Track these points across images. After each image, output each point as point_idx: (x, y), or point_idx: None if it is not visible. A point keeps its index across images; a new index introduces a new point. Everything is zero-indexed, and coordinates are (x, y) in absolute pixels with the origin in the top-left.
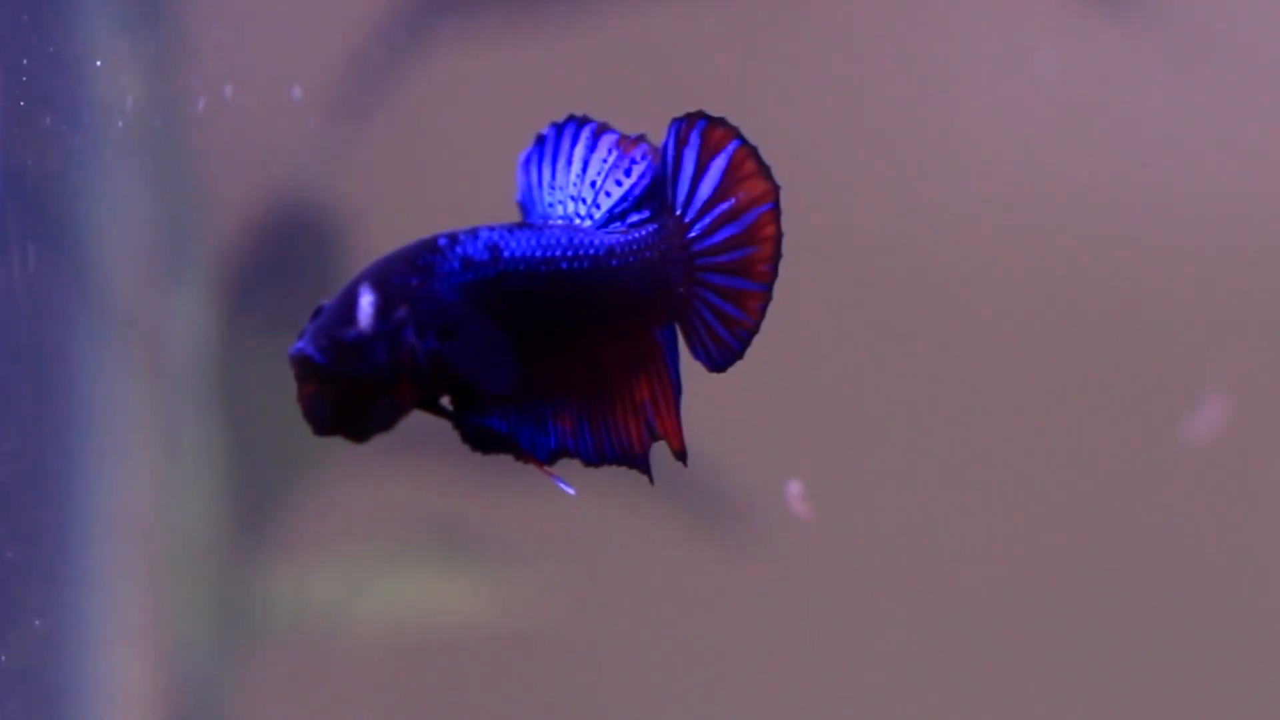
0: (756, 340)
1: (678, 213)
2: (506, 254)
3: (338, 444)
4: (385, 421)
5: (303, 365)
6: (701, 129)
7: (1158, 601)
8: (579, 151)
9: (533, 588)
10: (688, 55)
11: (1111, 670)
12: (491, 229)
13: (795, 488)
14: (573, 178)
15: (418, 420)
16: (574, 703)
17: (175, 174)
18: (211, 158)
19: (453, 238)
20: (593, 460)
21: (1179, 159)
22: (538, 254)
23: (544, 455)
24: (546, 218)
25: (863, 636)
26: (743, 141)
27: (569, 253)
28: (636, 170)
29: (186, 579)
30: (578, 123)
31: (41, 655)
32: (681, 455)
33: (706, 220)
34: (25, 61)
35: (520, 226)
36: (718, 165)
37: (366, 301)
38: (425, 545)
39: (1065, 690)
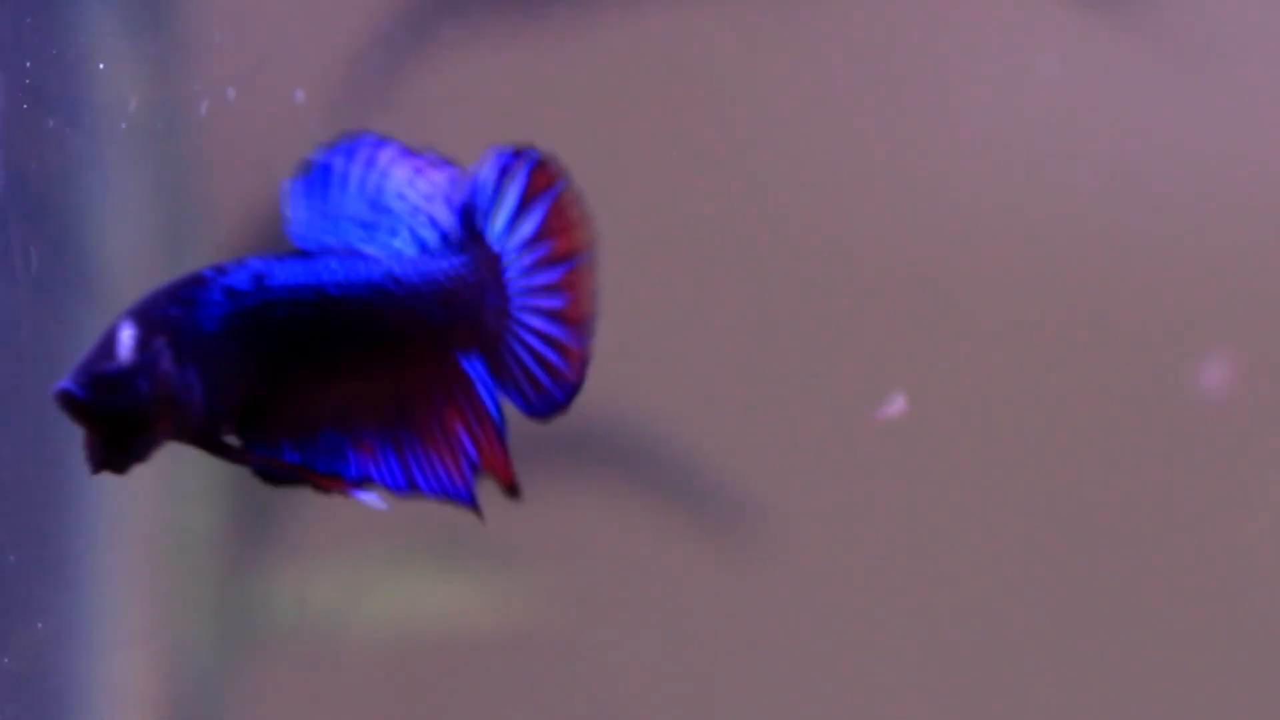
0: (761, 341)
1: (493, 246)
2: (271, 283)
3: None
4: (143, 454)
5: (65, 401)
6: (531, 166)
7: (1167, 613)
8: (369, 177)
9: (534, 590)
10: (687, 59)
11: (1124, 669)
12: (262, 258)
13: (898, 401)
14: (350, 200)
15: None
16: (575, 705)
17: (178, 176)
18: (214, 160)
19: (220, 269)
20: (402, 489)
21: (1181, 161)
22: (305, 281)
23: (352, 480)
24: (326, 246)
25: (867, 637)
26: (567, 185)
27: (340, 279)
28: (425, 183)
29: (189, 582)
30: (349, 142)
31: (44, 658)
32: (511, 491)
33: (527, 260)
34: (28, 64)
35: (293, 255)
36: (541, 205)
37: (126, 335)
38: (427, 548)
39: (1078, 691)
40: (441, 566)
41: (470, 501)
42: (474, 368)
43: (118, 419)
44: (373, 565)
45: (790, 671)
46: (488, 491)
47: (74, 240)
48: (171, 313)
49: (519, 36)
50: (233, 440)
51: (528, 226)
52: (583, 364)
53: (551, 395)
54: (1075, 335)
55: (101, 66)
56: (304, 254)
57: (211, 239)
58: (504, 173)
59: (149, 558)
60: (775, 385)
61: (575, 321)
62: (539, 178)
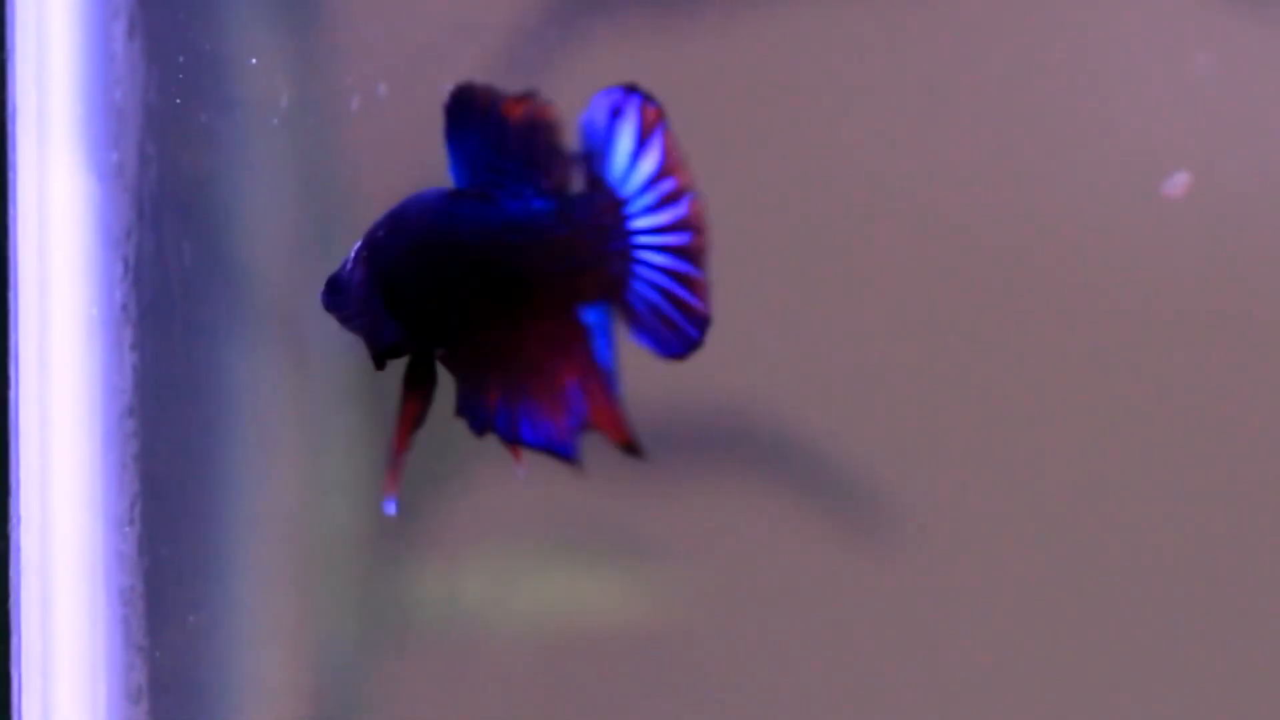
0: (904, 337)
1: (614, 190)
2: (429, 218)
3: (488, 442)
4: (375, 353)
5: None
6: (639, 104)
7: None
8: (476, 122)
9: (683, 587)
10: (835, 55)
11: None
12: (420, 195)
13: (1180, 179)
14: (481, 148)
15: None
16: (722, 702)
17: (329, 172)
18: (365, 156)
19: (419, 196)
20: (509, 440)
21: None
22: (441, 223)
23: (477, 428)
24: (476, 185)
25: (1012, 638)
26: (668, 124)
27: (468, 225)
28: (532, 133)
29: (335, 576)
30: (465, 94)
31: (195, 651)
32: (629, 448)
33: (651, 200)
34: (181, 59)
35: (451, 193)
36: (657, 142)
37: (354, 247)
38: (574, 544)
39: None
40: (588, 561)
41: (572, 456)
42: (597, 319)
43: (339, 317)
44: (519, 560)
45: (933, 672)
46: (622, 481)
47: (225, 236)
48: (379, 233)
49: (668, 33)
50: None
51: (648, 165)
52: (708, 294)
53: (686, 332)
54: (1232, 337)
55: (253, 62)
56: (456, 194)
57: (361, 233)
58: (615, 114)
59: (296, 552)
60: (918, 381)
61: (699, 254)
62: (649, 115)
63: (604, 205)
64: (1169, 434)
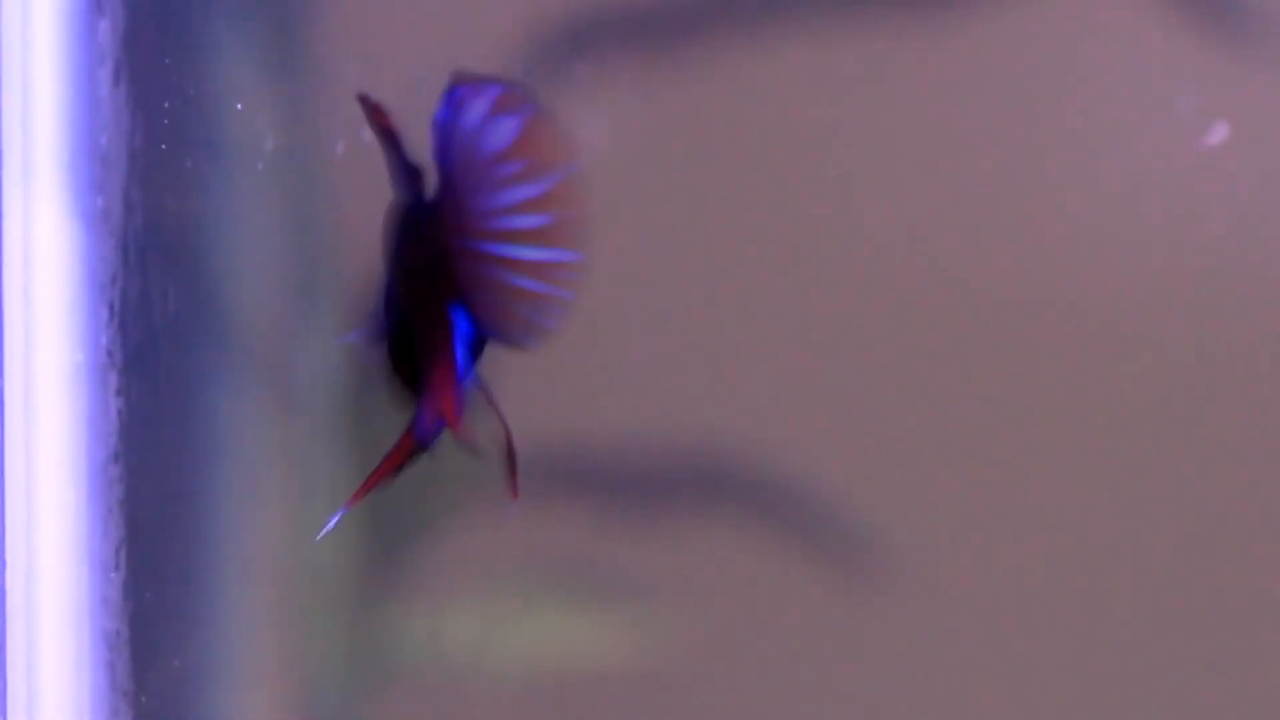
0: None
1: (455, 180)
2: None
3: (472, 485)
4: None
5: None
6: (483, 90)
7: None
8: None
9: (670, 627)
10: (822, 96)
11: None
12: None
13: (1220, 129)
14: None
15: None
16: None
17: (314, 216)
18: (350, 200)
19: None
20: (414, 436)
21: None
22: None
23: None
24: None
25: (1005, 673)
26: (535, 107)
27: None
28: (391, 142)
29: (320, 620)
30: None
31: (180, 695)
32: (464, 441)
33: (497, 186)
34: (166, 104)
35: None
36: (501, 127)
37: None
38: (559, 586)
39: None
40: (574, 603)
41: (425, 445)
42: (457, 316)
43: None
44: (505, 602)
45: (922, 709)
46: (608, 523)
47: (211, 281)
48: None
49: (651, 76)
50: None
51: (485, 151)
52: (575, 277)
53: (540, 324)
54: (1220, 376)
55: (239, 107)
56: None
57: (348, 278)
58: (456, 103)
59: (282, 596)
60: (906, 419)
61: (558, 237)
62: (502, 103)
63: (451, 201)
64: (1160, 472)
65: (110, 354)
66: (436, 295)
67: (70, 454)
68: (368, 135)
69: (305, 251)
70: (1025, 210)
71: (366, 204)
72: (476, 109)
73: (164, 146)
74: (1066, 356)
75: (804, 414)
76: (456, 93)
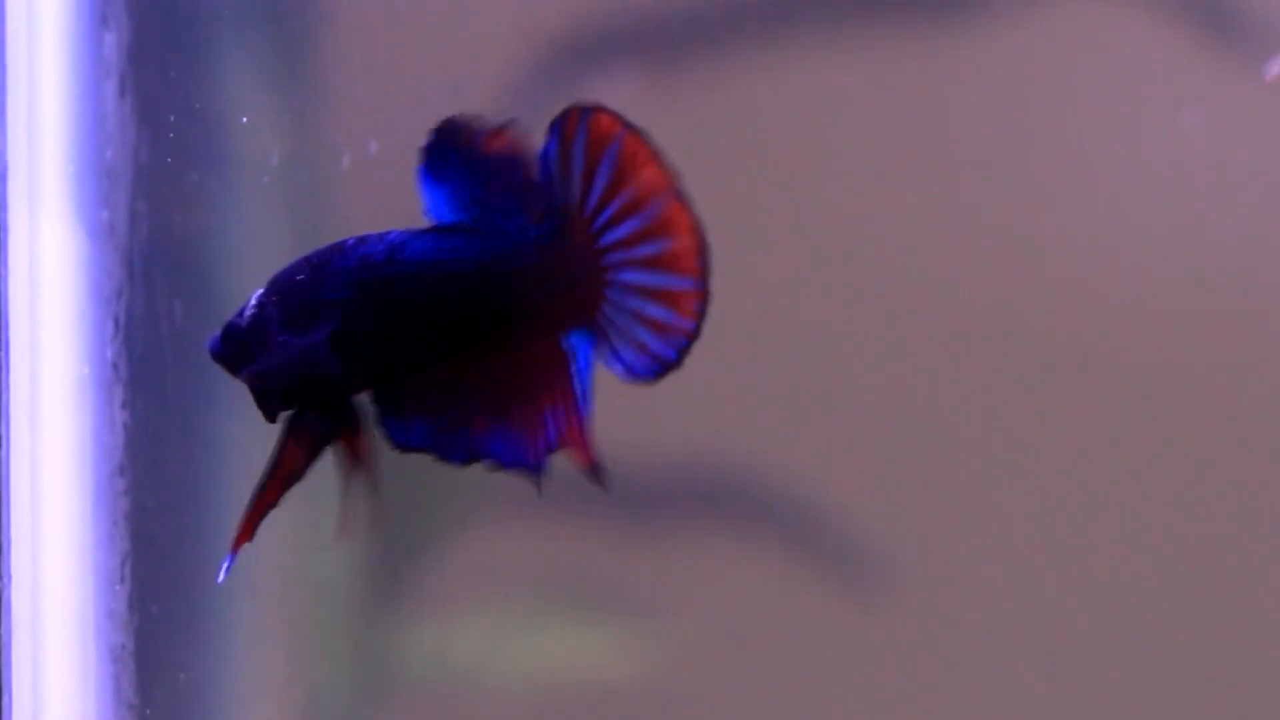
0: (894, 389)
1: (573, 209)
2: (400, 256)
3: (478, 499)
4: (268, 406)
5: (208, 349)
6: (587, 119)
7: None
8: (462, 156)
9: (674, 642)
10: (825, 112)
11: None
12: (404, 232)
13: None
14: (465, 183)
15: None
16: None
17: (320, 230)
18: (356, 213)
19: (362, 239)
20: (500, 465)
21: None
22: (430, 256)
23: (463, 457)
24: (459, 222)
25: (1006, 685)
26: (630, 128)
27: (459, 255)
28: (507, 164)
29: (325, 633)
30: (451, 128)
31: (185, 709)
32: (592, 472)
33: (608, 213)
34: (172, 118)
35: (430, 230)
36: (609, 154)
37: (255, 294)
38: (565, 600)
39: None
40: (579, 617)
41: (540, 474)
42: (577, 345)
43: (232, 368)
44: (510, 616)
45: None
46: (612, 537)
47: (216, 294)
48: (297, 276)
49: (657, 89)
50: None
51: (601, 180)
52: (700, 305)
53: (658, 354)
54: (1222, 388)
55: (244, 120)
56: (438, 230)
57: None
58: (565, 136)
59: (287, 609)
60: (908, 433)
61: (674, 262)
62: (598, 128)
63: (572, 227)
64: (1164, 484)
65: (115, 367)
66: (549, 328)
67: (75, 467)
68: (374, 149)
69: None
70: (1030, 223)
71: (372, 217)
72: (581, 138)
73: (169, 160)
74: (1072, 368)
75: (808, 430)
76: (561, 121)
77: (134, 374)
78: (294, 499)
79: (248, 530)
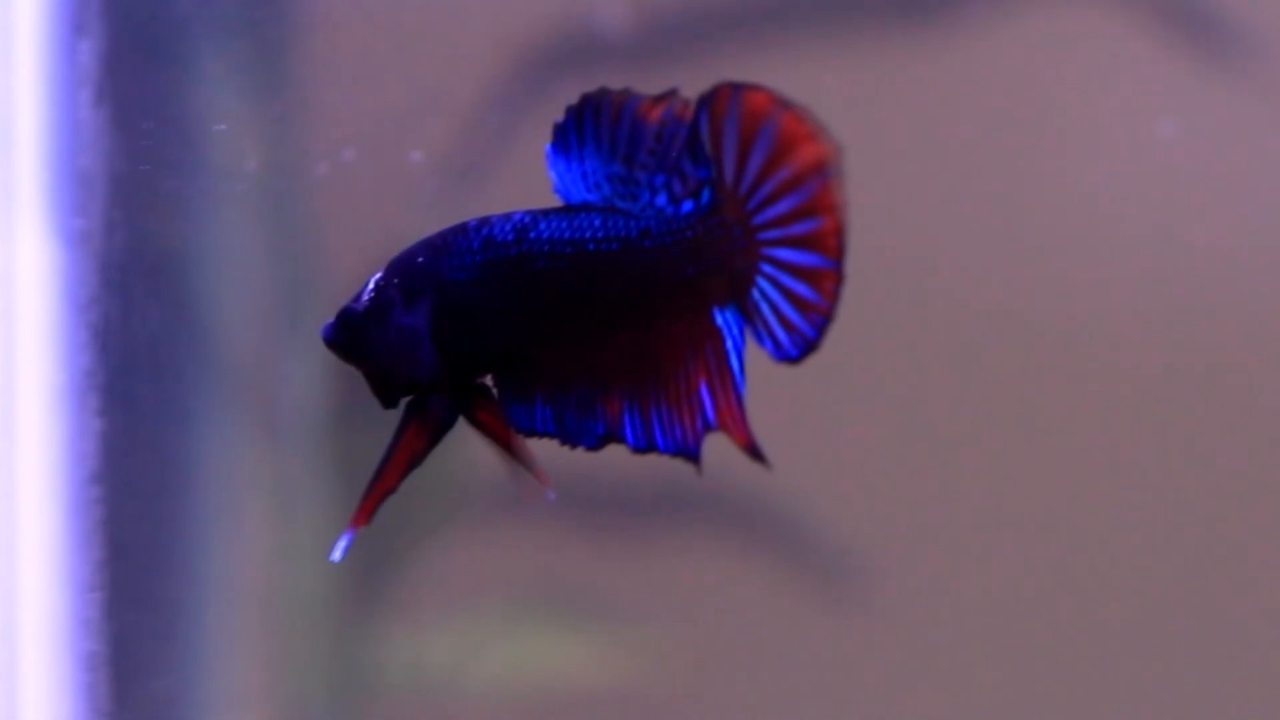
0: (871, 397)
1: (728, 185)
2: (532, 235)
3: (454, 506)
4: (388, 391)
5: (322, 336)
6: (740, 97)
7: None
8: (603, 130)
9: (650, 648)
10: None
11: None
12: (529, 212)
13: None
14: (602, 158)
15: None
16: None
17: (295, 237)
18: (331, 221)
19: (485, 220)
20: (641, 447)
21: None
22: (565, 235)
23: (592, 441)
24: (588, 201)
25: (983, 691)
26: (789, 105)
27: (598, 234)
28: (666, 135)
29: (303, 641)
30: (594, 101)
31: (160, 717)
32: (751, 451)
33: (765, 190)
34: (148, 126)
35: (559, 210)
36: (765, 131)
37: (373, 279)
38: (540, 607)
39: None
40: (554, 624)
41: (696, 456)
42: (728, 320)
43: (350, 354)
44: (486, 624)
45: None
46: (588, 544)
47: (193, 301)
48: (419, 259)
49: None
50: (490, 388)
51: (757, 157)
52: (837, 286)
53: (803, 333)
54: (1198, 391)
55: (220, 128)
56: (567, 209)
57: (329, 298)
58: (715, 113)
59: (263, 618)
60: (885, 442)
61: (823, 241)
62: (752, 104)
63: (725, 203)
64: (1138, 489)
65: (91, 374)
66: (700, 304)
67: (51, 474)
68: (349, 156)
69: (287, 272)
70: (1007, 229)
71: (348, 224)
72: (735, 113)
73: (145, 168)
74: (1050, 372)
75: (784, 435)
76: (710, 98)
77: (110, 381)
78: (269, 510)
79: (365, 513)
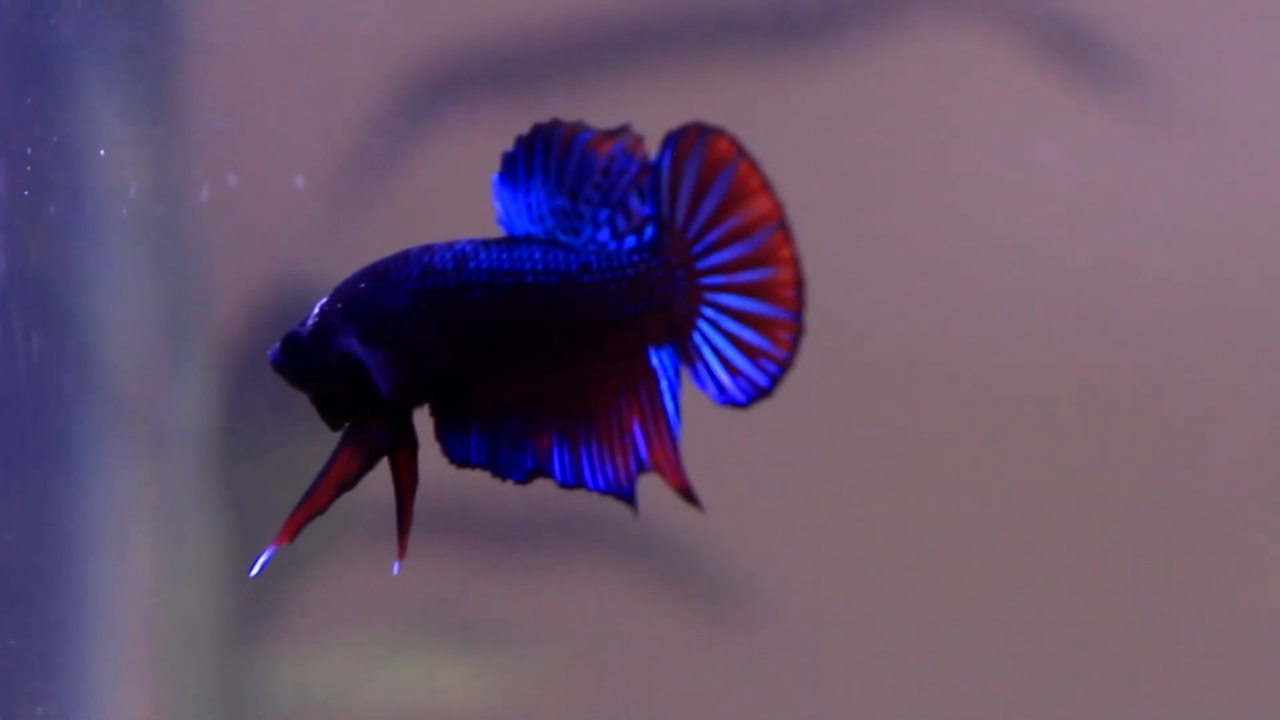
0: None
1: (677, 227)
2: (471, 264)
3: (340, 531)
4: (333, 414)
5: (269, 360)
6: (705, 140)
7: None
8: (551, 163)
9: (536, 673)
10: None
11: None
12: (471, 241)
13: None
14: (548, 191)
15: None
16: None
17: (178, 262)
18: (215, 246)
19: (428, 248)
20: (569, 483)
21: (1180, 246)
22: (504, 266)
23: (521, 475)
24: (531, 234)
25: (872, 713)
26: (746, 155)
27: (538, 267)
28: (614, 170)
29: (188, 666)
30: (545, 133)
31: None
32: (685, 493)
33: (713, 235)
34: (29, 150)
35: (501, 241)
36: (724, 178)
37: (319, 304)
38: (428, 632)
39: None
40: (442, 650)
41: (630, 497)
42: (664, 361)
43: (295, 378)
44: (373, 649)
45: None
46: (475, 568)
47: (75, 326)
48: (360, 285)
49: (519, 120)
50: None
51: (710, 201)
52: (795, 337)
53: (753, 379)
54: (1075, 415)
55: (102, 153)
56: (510, 240)
57: (213, 323)
58: (679, 152)
59: (148, 643)
60: (772, 468)
61: (782, 295)
62: (715, 150)
63: (671, 243)
64: (1023, 514)
65: None
66: (637, 343)
67: None
68: (232, 180)
69: (170, 297)
70: (886, 253)
71: (231, 249)
72: (698, 156)
73: (26, 193)
74: (932, 397)
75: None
76: (678, 136)
77: None
78: (154, 535)
79: (289, 530)
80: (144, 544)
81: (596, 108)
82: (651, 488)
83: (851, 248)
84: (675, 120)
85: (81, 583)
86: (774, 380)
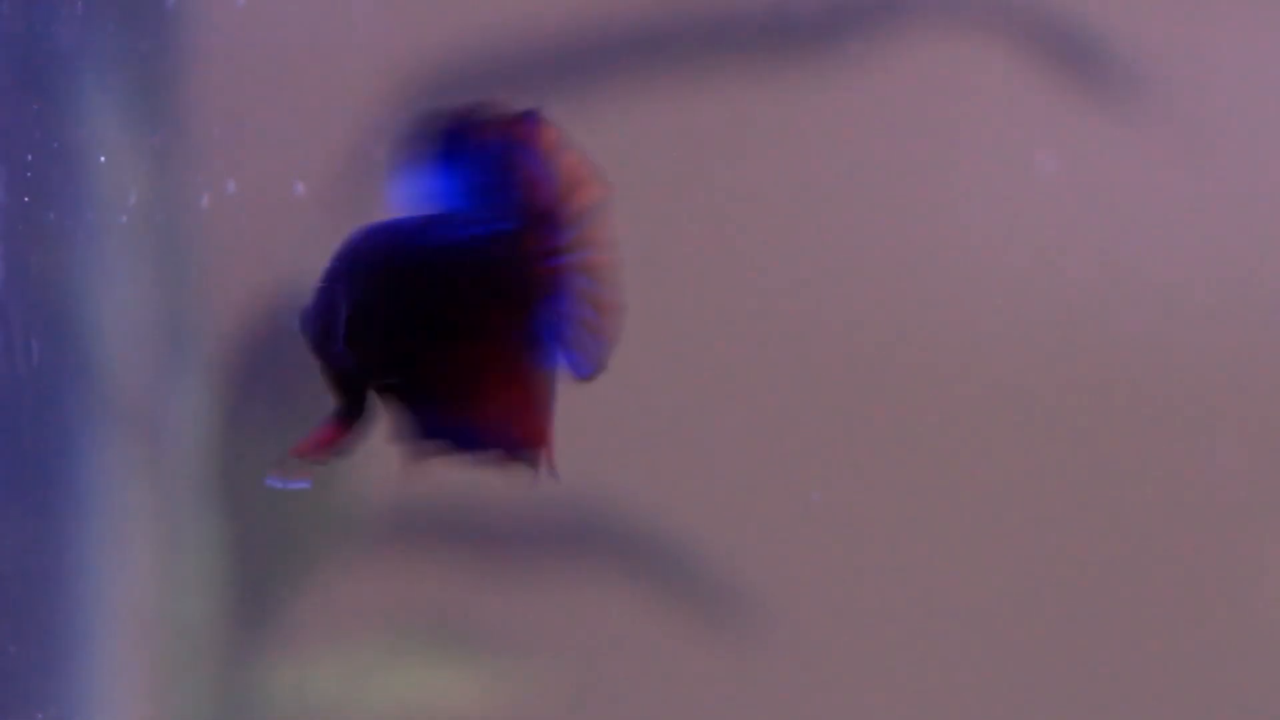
0: (758, 432)
1: (540, 209)
2: (375, 240)
3: (338, 539)
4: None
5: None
6: (535, 127)
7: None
8: (474, 144)
9: (534, 680)
10: (681, 149)
11: None
12: (384, 220)
13: None
14: (467, 173)
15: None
16: None
17: (178, 269)
18: (214, 253)
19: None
20: (469, 451)
21: (1179, 254)
22: (399, 240)
23: (429, 449)
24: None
25: None
26: (569, 143)
27: (441, 246)
28: (501, 155)
29: (187, 673)
30: (437, 118)
31: None
32: (548, 464)
33: (561, 218)
34: (29, 157)
35: (418, 220)
36: (558, 164)
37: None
38: (426, 638)
39: None
40: (439, 656)
41: (526, 459)
42: (536, 337)
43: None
44: (370, 655)
45: None
46: (473, 575)
47: (74, 334)
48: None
49: None
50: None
51: (553, 186)
52: (616, 316)
53: (593, 353)
54: (1077, 423)
55: (102, 160)
56: (428, 218)
57: (213, 331)
58: (515, 139)
59: (147, 651)
60: (772, 476)
61: (599, 271)
62: (547, 138)
63: (536, 226)
64: (1022, 522)
65: None
66: (518, 321)
67: None
68: (232, 187)
69: (170, 303)
70: (886, 263)
71: (232, 256)
72: (529, 143)
73: (26, 199)
74: (934, 407)
75: (670, 467)
76: (511, 124)
77: None
78: (154, 542)
79: (304, 450)
80: (144, 550)
81: (595, 119)
82: (651, 488)
83: (851, 255)
84: (675, 127)
85: (81, 589)
86: (605, 357)
